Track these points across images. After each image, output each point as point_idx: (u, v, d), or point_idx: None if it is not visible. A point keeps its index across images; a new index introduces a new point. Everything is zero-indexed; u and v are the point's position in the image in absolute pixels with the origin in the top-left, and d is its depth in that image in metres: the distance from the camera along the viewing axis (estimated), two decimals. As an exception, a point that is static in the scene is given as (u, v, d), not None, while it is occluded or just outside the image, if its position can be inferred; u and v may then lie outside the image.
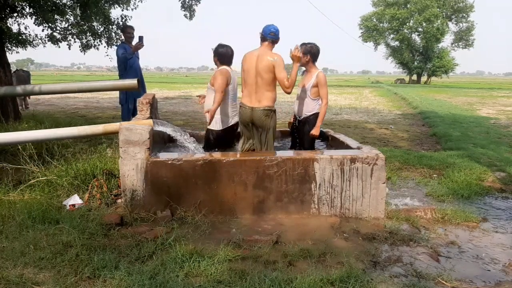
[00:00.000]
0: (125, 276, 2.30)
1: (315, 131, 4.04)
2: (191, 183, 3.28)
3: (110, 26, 9.76)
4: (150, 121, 3.52)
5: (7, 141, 3.89)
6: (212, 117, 3.83)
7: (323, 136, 4.52)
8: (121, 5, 9.53)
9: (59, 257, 2.52)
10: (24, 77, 15.40)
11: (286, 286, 2.24)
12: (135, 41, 6.56)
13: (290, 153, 3.51)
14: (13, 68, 11.40)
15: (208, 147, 4.11)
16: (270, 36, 3.75)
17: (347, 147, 3.86)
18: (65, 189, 3.71)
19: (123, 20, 9.87)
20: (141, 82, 6.59)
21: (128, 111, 6.58)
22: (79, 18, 9.02)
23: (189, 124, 9.30)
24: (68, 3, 8.67)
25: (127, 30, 6.52)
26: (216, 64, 4.14)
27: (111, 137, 5.55)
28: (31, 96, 15.19)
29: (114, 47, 10.15)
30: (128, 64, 6.42)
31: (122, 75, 6.51)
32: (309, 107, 4.08)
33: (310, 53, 4.02)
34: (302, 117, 4.13)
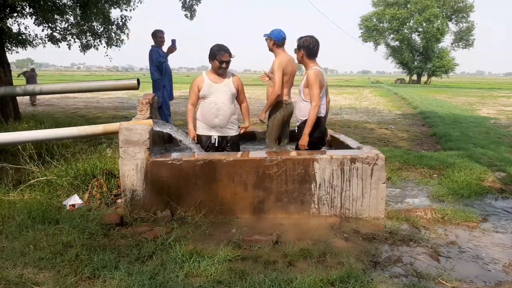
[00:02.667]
0: (125, 276, 2.30)
1: (302, 141, 3.66)
2: (191, 183, 3.27)
3: (110, 26, 9.78)
4: (150, 121, 3.52)
5: (7, 141, 3.90)
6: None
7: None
8: (121, 6, 9.54)
9: (59, 257, 2.52)
10: (34, 76, 15.81)
11: (286, 286, 2.24)
12: (166, 44, 6.63)
13: (290, 153, 3.50)
14: (13, 68, 11.40)
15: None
16: (284, 41, 4.15)
17: (347, 147, 3.85)
18: (65, 189, 3.71)
19: (123, 21, 9.88)
20: (171, 85, 6.73)
21: (167, 114, 6.71)
22: (79, 18, 9.03)
23: (189, 124, 9.29)
24: (68, 3, 8.67)
25: (158, 35, 6.53)
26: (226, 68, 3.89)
27: (111, 137, 5.55)
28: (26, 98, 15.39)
29: (114, 47, 10.19)
30: (163, 67, 6.48)
31: (160, 80, 6.59)
32: (303, 111, 3.73)
33: (303, 47, 3.68)
34: (299, 122, 3.82)
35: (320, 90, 3.65)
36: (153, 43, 6.56)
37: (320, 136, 3.81)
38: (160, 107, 6.72)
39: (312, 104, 3.60)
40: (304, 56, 3.71)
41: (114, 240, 2.84)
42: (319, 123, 3.77)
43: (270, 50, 4.22)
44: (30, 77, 15.86)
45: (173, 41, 6.47)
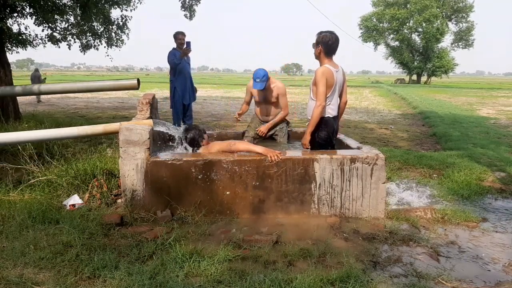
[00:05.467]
0: (125, 276, 2.30)
1: (303, 139, 3.63)
2: (191, 183, 3.28)
3: (110, 27, 9.79)
4: (150, 121, 3.52)
5: (7, 141, 3.89)
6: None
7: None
8: (121, 6, 9.54)
9: (59, 257, 2.52)
10: (39, 76, 16.05)
11: (286, 286, 2.24)
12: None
13: (290, 153, 3.51)
14: (13, 68, 11.40)
15: None
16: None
17: (347, 147, 3.85)
18: (65, 189, 3.71)
19: (123, 21, 9.89)
20: (191, 87, 6.76)
21: (177, 116, 6.71)
22: (79, 18, 9.04)
23: (189, 124, 9.28)
24: (68, 3, 8.67)
25: (178, 37, 6.56)
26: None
27: (111, 137, 5.56)
28: (32, 96, 15.59)
29: (114, 47, 10.20)
30: (177, 69, 6.50)
31: (171, 81, 6.67)
32: (310, 110, 3.61)
33: (321, 43, 3.51)
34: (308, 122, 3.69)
35: (328, 90, 3.50)
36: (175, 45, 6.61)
37: (326, 138, 3.66)
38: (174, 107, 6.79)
39: (316, 103, 3.48)
40: (321, 52, 3.53)
41: (114, 240, 2.84)
42: (327, 124, 3.62)
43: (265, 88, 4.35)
44: (34, 77, 16.03)
45: (188, 43, 6.53)
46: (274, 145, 4.28)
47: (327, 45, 3.50)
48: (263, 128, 4.41)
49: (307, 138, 3.61)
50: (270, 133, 4.54)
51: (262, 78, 4.22)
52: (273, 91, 4.36)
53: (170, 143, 3.93)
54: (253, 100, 4.65)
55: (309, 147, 3.64)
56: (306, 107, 3.86)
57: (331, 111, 3.63)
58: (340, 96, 3.76)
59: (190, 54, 6.73)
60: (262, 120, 4.58)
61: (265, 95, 4.40)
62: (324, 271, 2.43)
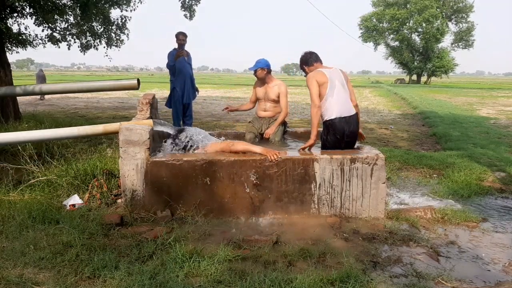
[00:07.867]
0: (125, 276, 2.30)
1: (307, 143, 3.60)
2: (191, 183, 3.28)
3: (110, 27, 9.78)
4: (150, 121, 3.53)
5: (7, 141, 3.90)
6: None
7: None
8: (121, 6, 9.54)
9: (59, 257, 2.52)
10: (43, 76, 16.21)
11: (286, 286, 2.24)
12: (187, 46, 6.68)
13: (290, 153, 3.51)
14: (13, 68, 11.41)
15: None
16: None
17: (347, 147, 3.84)
18: (65, 189, 3.71)
19: (123, 21, 9.89)
20: (191, 87, 6.80)
21: (177, 116, 6.76)
22: (79, 18, 9.03)
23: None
24: (68, 3, 8.67)
25: (179, 37, 6.58)
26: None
27: (111, 137, 5.56)
28: (32, 96, 15.70)
29: (114, 48, 10.20)
30: (176, 69, 6.53)
31: (171, 81, 6.74)
32: None
33: (303, 63, 3.93)
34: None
35: (322, 89, 3.55)
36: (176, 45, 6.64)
37: (335, 141, 3.61)
38: (172, 106, 6.82)
39: (311, 105, 3.60)
40: (307, 66, 3.83)
41: (114, 240, 2.84)
42: (334, 127, 3.59)
43: (261, 78, 4.51)
44: (38, 77, 16.15)
45: (182, 45, 6.56)
46: (273, 145, 4.28)
47: (305, 60, 3.82)
48: (270, 130, 4.40)
49: (309, 142, 3.58)
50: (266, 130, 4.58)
51: (259, 63, 4.46)
52: (275, 89, 4.48)
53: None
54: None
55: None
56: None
57: (335, 112, 3.57)
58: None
59: (190, 55, 6.74)
60: (259, 115, 4.65)
61: (266, 91, 4.53)
62: (324, 271, 2.43)
